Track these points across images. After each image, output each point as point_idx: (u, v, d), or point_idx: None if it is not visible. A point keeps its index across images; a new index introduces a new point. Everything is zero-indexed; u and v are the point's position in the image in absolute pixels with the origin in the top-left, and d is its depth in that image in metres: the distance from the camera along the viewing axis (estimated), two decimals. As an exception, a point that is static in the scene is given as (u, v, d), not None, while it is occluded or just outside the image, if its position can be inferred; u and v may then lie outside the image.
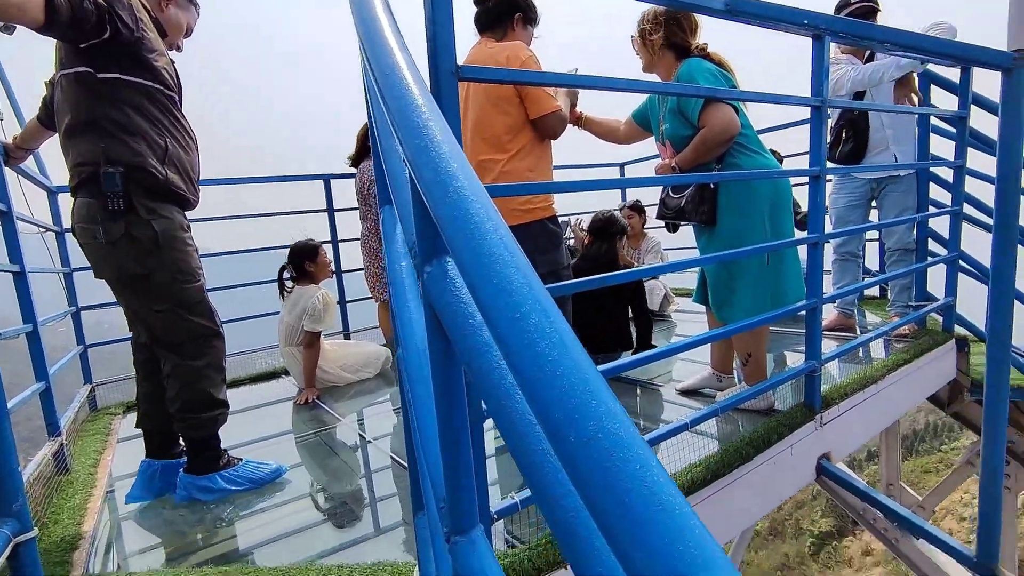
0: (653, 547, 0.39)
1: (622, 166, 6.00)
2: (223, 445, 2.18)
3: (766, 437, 2.05)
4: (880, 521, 4.13)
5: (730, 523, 1.99)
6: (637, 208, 4.94)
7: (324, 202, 4.28)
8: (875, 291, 4.55)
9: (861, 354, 3.00)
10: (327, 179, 4.26)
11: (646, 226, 5.01)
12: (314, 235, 3.51)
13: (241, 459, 2.22)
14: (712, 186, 2.42)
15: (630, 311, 3.33)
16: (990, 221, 3.34)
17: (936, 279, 3.43)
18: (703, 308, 2.65)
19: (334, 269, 3.79)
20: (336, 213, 4.28)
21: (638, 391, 2.87)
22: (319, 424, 2.80)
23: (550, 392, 0.42)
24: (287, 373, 3.70)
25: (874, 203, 3.46)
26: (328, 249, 3.83)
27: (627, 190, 5.80)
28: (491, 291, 0.44)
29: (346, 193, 4.11)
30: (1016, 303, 3.01)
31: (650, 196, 5.35)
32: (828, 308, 3.71)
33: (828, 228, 2.49)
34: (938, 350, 3.05)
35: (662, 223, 2.67)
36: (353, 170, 3.75)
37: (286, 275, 3.32)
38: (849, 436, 2.45)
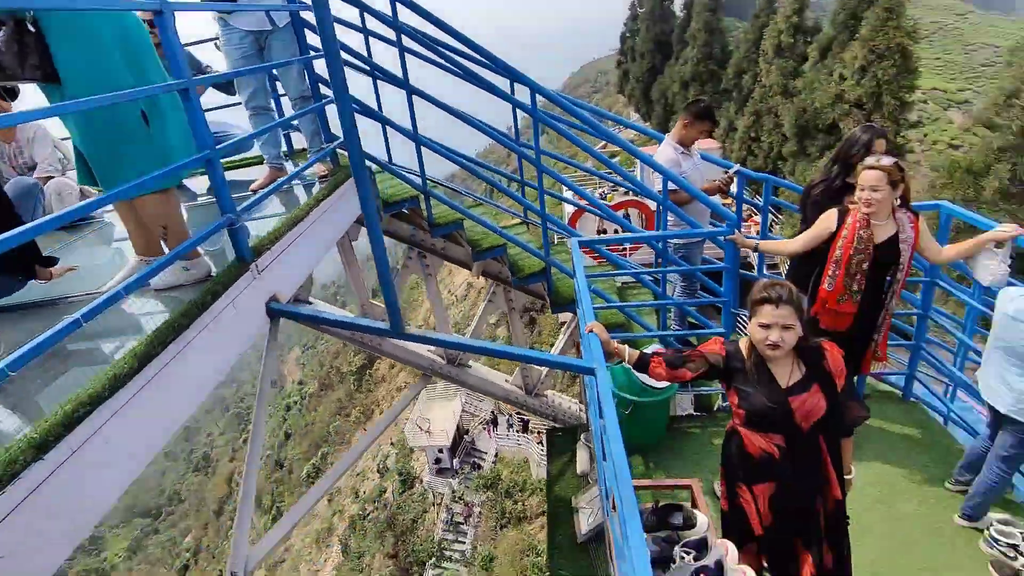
0: None
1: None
2: None
3: (201, 302, 2.00)
4: (358, 335, 4.94)
5: (197, 388, 1.95)
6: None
7: None
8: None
9: (288, 199, 3.24)
10: None
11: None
12: None
13: None
14: (33, 30, 1.90)
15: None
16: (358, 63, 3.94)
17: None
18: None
19: None
20: None
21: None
22: None
23: None
24: None
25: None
26: None
27: None
28: None
29: None
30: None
31: None
32: (264, 169, 3.78)
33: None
34: (350, 180, 3.57)
35: None
36: None
37: None
38: (291, 275, 2.68)
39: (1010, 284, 2.87)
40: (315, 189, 3.45)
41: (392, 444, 28.34)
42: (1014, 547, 2.80)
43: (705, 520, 2.15)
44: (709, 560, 1.86)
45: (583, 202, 5.99)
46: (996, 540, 2.86)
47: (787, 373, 2.13)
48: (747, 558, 2.21)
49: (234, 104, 3.99)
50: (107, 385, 1.53)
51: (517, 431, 23.02)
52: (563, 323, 5.90)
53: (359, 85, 4.02)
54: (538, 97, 3.63)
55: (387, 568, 21.79)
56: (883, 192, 2.78)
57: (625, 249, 12.22)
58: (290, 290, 2.64)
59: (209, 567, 36.52)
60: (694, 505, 2.33)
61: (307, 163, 3.02)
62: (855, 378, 3.55)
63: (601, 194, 14.84)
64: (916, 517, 3.14)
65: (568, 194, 9.67)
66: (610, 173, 5.12)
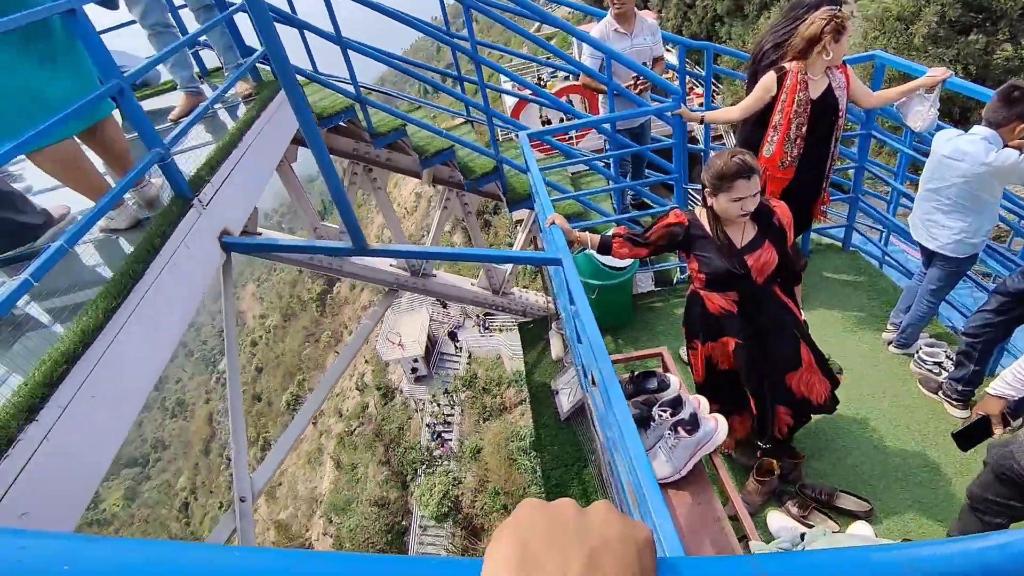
0: None
1: None
2: None
3: (149, 245, 1.91)
4: (316, 258, 4.86)
5: (169, 333, 1.92)
6: None
7: None
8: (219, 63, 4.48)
9: (213, 126, 3.02)
10: None
11: None
12: None
13: None
14: None
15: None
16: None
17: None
18: None
19: None
20: None
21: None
22: None
23: None
24: None
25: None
26: None
27: None
28: None
29: None
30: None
31: None
32: (178, 96, 3.46)
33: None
34: (278, 97, 3.33)
35: None
36: None
37: None
38: (237, 204, 2.56)
39: (939, 128, 3.01)
40: (240, 111, 3.20)
41: (366, 361, 28.87)
42: (938, 364, 3.19)
43: (677, 381, 2.35)
44: (684, 414, 2.05)
45: (525, 92, 5.77)
46: (924, 360, 3.23)
47: (740, 234, 2.25)
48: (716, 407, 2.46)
49: (123, 25, 3.55)
50: (77, 341, 1.49)
51: (486, 329, 23.73)
52: (518, 221, 5.92)
53: None
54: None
55: (382, 475, 23.07)
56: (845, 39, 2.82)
57: (571, 138, 12.02)
58: (239, 222, 2.53)
59: (208, 501, 37.89)
60: (666, 370, 2.52)
61: (227, 82, 2.77)
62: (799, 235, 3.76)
63: (539, 81, 14.27)
64: (856, 350, 3.50)
65: (507, 85, 9.27)
66: (548, 58, 4.91)
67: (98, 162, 2.32)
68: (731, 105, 3.81)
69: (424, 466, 21.23)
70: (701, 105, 4.91)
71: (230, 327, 2.66)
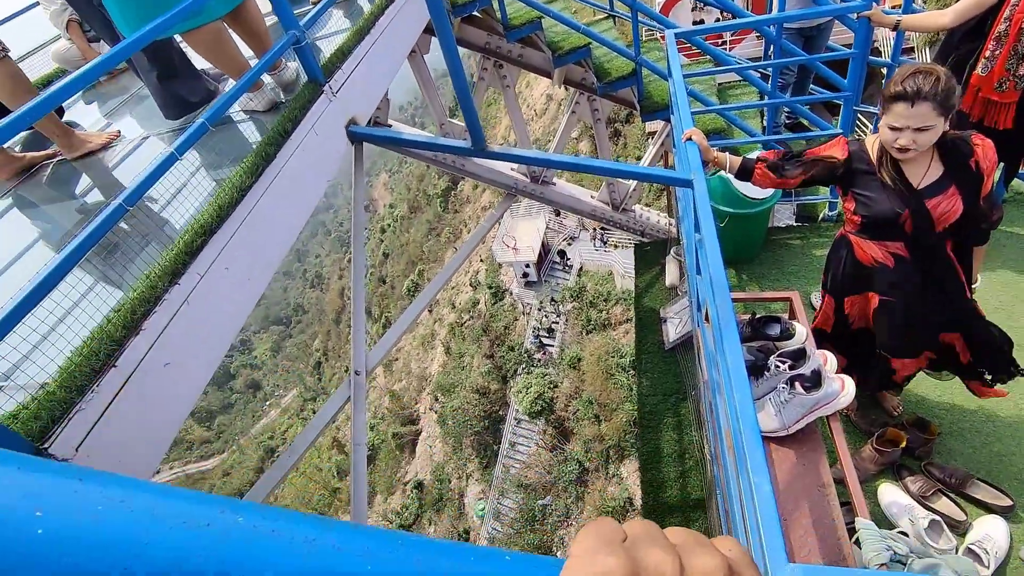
0: None
1: None
2: None
3: (282, 129, 1.98)
4: (440, 155, 4.89)
5: (295, 214, 2.03)
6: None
7: None
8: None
9: (349, 11, 2.99)
10: None
11: None
12: None
13: None
14: None
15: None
16: None
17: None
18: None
19: None
20: None
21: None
22: None
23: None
24: None
25: None
26: None
27: None
28: None
29: None
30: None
31: None
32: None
33: None
34: (414, -19, 3.20)
35: None
36: None
37: None
38: (366, 95, 2.57)
39: None
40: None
41: (481, 260, 29.96)
42: None
43: (804, 331, 2.11)
44: (805, 369, 1.85)
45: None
46: None
47: (921, 172, 1.85)
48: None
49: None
50: (214, 215, 1.61)
51: (602, 244, 23.38)
52: (651, 133, 5.47)
53: None
54: None
55: (485, 367, 24.60)
56: None
57: (725, 43, 10.66)
58: (367, 112, 2.55)
59: (336, 363, 43.23)
60: (792, 317, 2.28)
61: (365, -38, 2.69)
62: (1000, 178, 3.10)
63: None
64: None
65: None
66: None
67: (247, 52, 2.41)
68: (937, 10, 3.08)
69: (523, 366, 22.28)
70: (897, 7, 4.03)
71: (358, 214, 2.77)
